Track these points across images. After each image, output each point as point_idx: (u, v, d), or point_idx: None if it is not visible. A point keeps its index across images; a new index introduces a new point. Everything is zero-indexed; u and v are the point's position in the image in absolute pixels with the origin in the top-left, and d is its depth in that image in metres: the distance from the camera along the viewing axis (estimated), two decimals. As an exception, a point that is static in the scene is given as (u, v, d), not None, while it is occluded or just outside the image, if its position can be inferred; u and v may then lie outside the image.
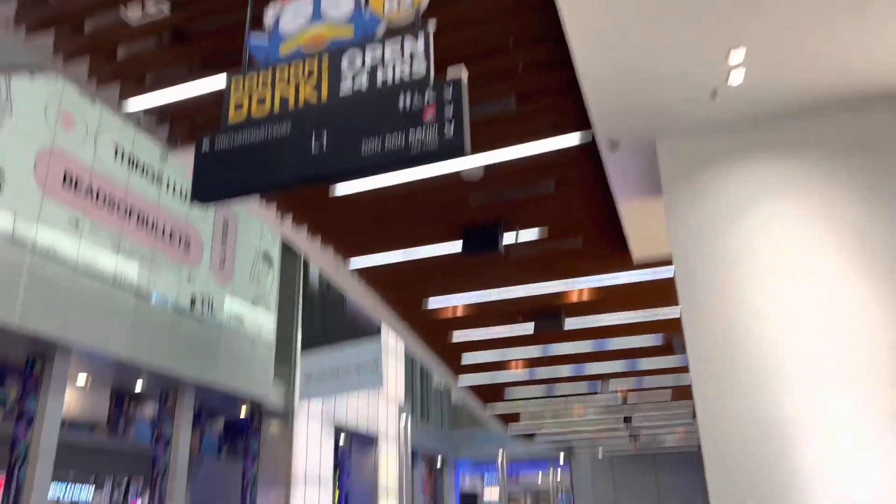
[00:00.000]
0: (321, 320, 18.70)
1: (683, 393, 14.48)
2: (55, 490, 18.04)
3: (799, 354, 5.29)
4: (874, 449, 4.97)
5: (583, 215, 6.94)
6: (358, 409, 22.57)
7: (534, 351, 11.75)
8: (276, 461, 18.69)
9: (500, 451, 29.52)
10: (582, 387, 14.37)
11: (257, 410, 18.42)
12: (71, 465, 16.62)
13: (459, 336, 10.83)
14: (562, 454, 30.23)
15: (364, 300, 9.16)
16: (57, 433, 12.02)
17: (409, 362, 26.62)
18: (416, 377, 29.48)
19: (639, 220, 6.79)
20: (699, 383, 5.58)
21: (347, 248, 7.73)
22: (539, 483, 37.23)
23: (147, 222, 14.11)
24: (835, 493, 5.17)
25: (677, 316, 8.93)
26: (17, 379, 12.98)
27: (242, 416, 17.67)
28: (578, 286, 8.77)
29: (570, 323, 9.78)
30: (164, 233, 14.61)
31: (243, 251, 17.58)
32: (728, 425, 5.54)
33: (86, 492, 21.02)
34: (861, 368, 5.01)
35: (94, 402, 15.36)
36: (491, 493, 39.07)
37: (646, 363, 12.36)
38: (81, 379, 14.41)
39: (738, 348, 5.60)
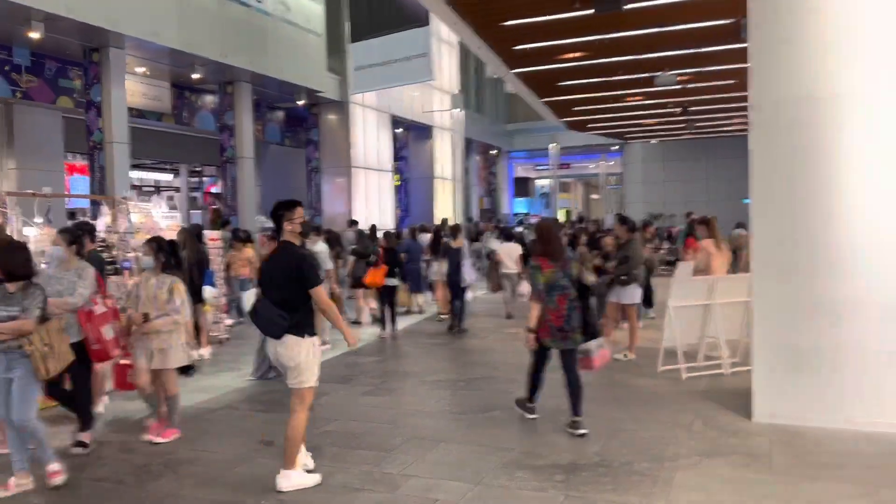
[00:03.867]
0: (368, 8, 17.93)
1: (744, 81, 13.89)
2: (136, 175, 19.61)
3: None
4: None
5: None
6: (413, 100, 22.72)
7: (591, 38, 11.17)
8: (336, 150, 19.55)
9: (552, 144, 29.93)
10: (639, 76, 13.91)
11: (314, 101, 18.73)
12: (146, 153, 17.77)
13: (513, 23, 10.28)
14: (615, 144, 30.58)
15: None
16: (125, 120, 12.63)
17: (464, 53, 25.90)
18: (470, 69, 28.94)
19: None
20: (756, 55, 5.36)
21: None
22: (591, 169, 38.36)
23: None
24: (869, 176, 5.14)
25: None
26: (79, 71, 13.32)
27: (300, 105, 18.04)
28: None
29: (630, 5, 9.08)
30: None
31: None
32: (775, 104, 5.41)
33: (164, 178, 22.78)
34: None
35: (156, 93, 15.83)
36: (544, 180, 40.70)
37: (710, 48, 11.71)
38: (140, 70, 14.67)
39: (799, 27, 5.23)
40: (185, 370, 6.74)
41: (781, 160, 5.33)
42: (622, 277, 7.76)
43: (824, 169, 5.21)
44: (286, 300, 4.26)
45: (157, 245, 5.48)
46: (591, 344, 5.36)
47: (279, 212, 4.43)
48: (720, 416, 5.63)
